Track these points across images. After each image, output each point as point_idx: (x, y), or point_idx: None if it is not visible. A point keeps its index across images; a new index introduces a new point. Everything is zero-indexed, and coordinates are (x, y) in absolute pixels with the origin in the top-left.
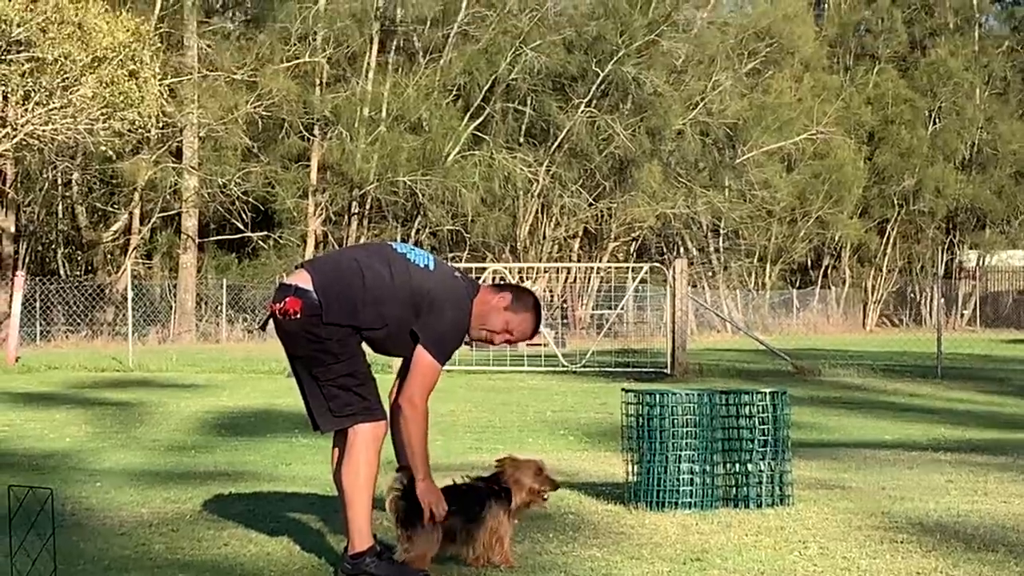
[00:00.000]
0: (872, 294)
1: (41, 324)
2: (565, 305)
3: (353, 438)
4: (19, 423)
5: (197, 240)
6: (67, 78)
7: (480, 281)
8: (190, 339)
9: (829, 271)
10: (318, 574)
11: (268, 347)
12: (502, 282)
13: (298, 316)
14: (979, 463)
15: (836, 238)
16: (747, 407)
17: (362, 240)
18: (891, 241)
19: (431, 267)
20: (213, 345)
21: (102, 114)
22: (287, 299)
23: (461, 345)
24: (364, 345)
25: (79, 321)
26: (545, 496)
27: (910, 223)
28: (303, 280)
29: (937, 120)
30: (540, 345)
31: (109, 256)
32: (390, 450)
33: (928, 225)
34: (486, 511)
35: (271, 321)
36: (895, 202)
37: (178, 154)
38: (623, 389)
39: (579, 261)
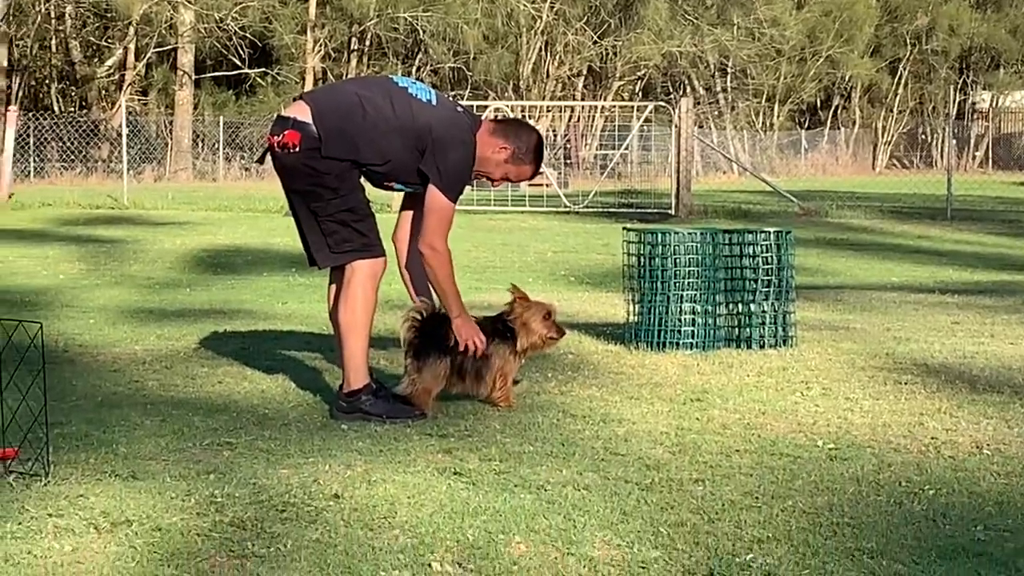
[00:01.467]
0: (882, 135)
1: (35, 160)
2: (568, 145)
3: (351, 275)
4: (11, 260)
5: (193, 76)
6: None
7: (482, 118)
8: (186, 177)
9: (839, 112)
10: (313, 412)
11: (265, 185)
12: (502, 118)
13: (296, 149)
14: (986, 305)
15: (846, 78)
16: (751, 247)
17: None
18: (903, 81)
19: (433, 101)
20: (210, 183)
21: None
22: (285, 132)
23: (469, 180)
24: (364, 181)
25: (74, 158)
26: (551, 342)
27: (922, 63)
28: (302, 112)
29: None
30: (542, 185)
31: (104, 92)
32: (387, 290)
33: (941, 65)
34: (493, 350)
35: (268, 155)
36: (907, 41)
37: None
38: (624, 228)
39: (583, 100)
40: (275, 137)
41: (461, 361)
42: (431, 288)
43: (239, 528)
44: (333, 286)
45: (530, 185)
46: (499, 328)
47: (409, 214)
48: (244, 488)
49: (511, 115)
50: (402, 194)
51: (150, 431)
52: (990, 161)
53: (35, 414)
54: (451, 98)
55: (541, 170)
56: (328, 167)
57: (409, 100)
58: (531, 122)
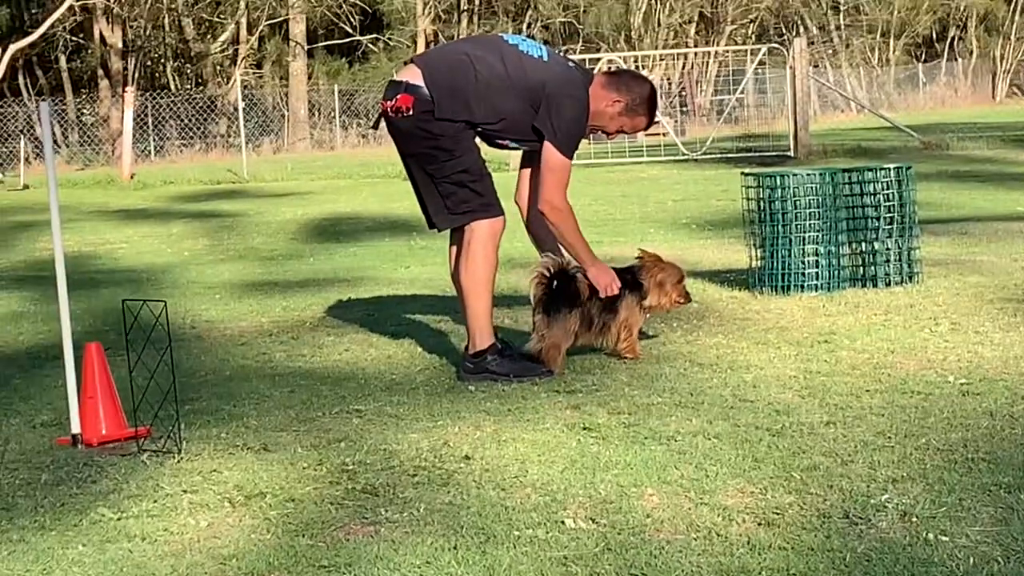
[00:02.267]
0: (1001, 64)
1: (155, 140)
2: (683, 93)
3: (470, 236)
4: (136, 239)
5: (306, 47)
6: None
7: (594, 72)
8: (304, 147)
9: (955, 43)
10: (440, 375)
11: (383, 151)
12: (615, 70)
13: (411, 113)
14: None
15: (961, 8)
16: (871, 184)
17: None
18: (1019, 8)
19: (545, 58)
20: (328, 152)
21: None
22: (398, 96)
23: (584, 135)
24: (479, 141)
25: (192, 135)
26: (678, 306)
27: None
28: (414, 76)
29: None
30: (659, 135)
31: (219, 67)
32: (509, 249)
33: None
34: (620, 302)
35: (383, 120)
36: None
37: None
38: (743, 173)
39: (695, 47)
40: (388, 102)
41: (589, 314)
42: (559, 244)
43: (371, 495)
44: (454, 247)
45: (647, 135)
46: (627, 280)
47: (528, 172)
48: (375, 455)
49: (624, 67)
50: (520, 153)
51: (279, 402)
52: None
53: (165, 391)
54: (562, 54)
55: (656, 119)
56: (443, 129)
57: (521, 57)
58: (644, 72)
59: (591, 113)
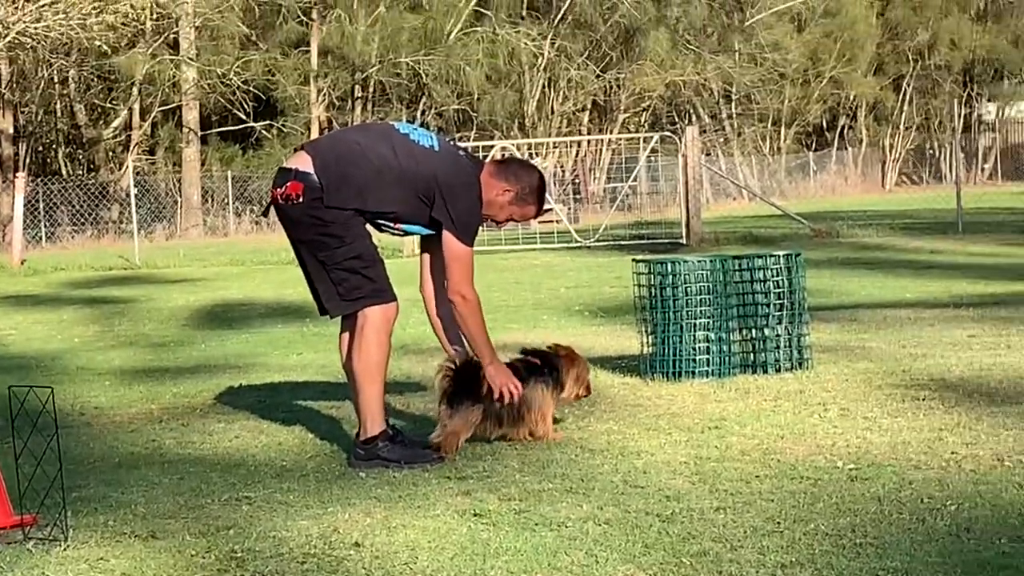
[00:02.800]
0: (890, 153)
1: (46, 225)
2: (576, 180)
3: (363, 322)
4: (25, 325)
5: (199, 133)
6: None
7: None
8: (197, 234)
9: (845, 132)
10: (331, 462)
11: (276, 237)
12: (505, 158)
13: (300, 200)
14: (1002, 317)
15: (851, 97)
16: (761, 271)
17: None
18: (907, 98)
19: (436, 147)
20: (221, 239)
21: (94, 8)
22: (288, 183)
23: (481, 222)
24: (371, 228)
25: (84, 220)
26: (582, 397)
27: (926, 78)
28: (303, 163)
29: None
30: (553, 222)
31: (111, 153)
32: (402, 335)
33: (945, 79)
34: (530, 391)
35: (273, 208)
36: (910, 57)
37: (175, 46)
38: (634, 260)
39: (589, 135)
40: (278, 189)
41: (499, 407)
42: (448, 330)
43: None
44: (345, 334)
45: (540, 222)
46: (536, 367)
47: (428, 259)
48: (264, 542)
49: (517, 154)
50: (416, 239)
51: (168, 489)
52: (999, 172)
53: (51, 478)
54: (452, 142)
55: (548, 207)
56: (333, 216)
57: (411, 147)
58: (538, 160)
59: (484, 201)
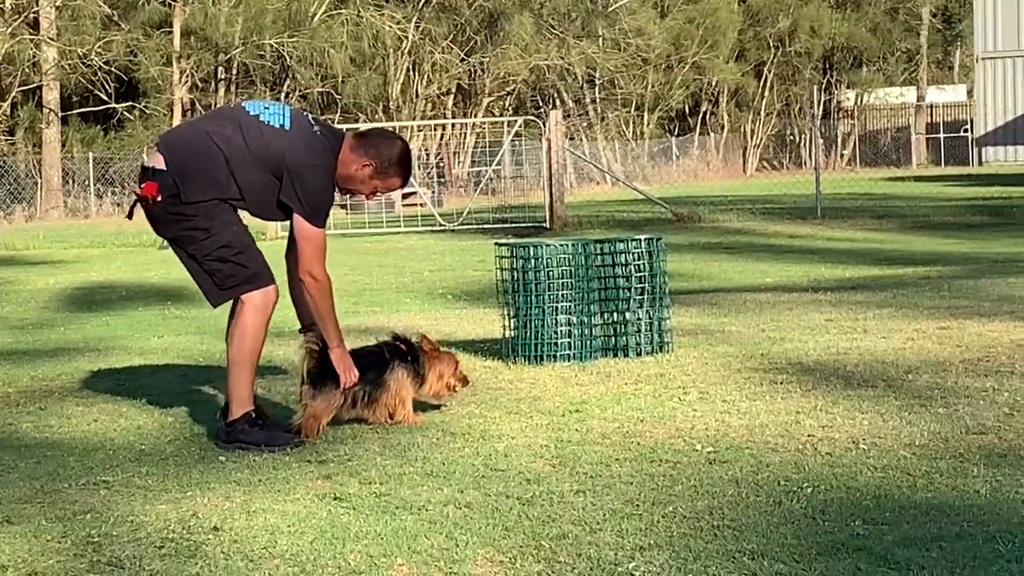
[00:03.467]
0: (751, 138)
1: None
2: (441, 164)
3: (241, 307)
4: None
5: (60, 114)
6: None
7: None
8: (58, 216)
9: (707, 117)
10: (191, 445)
11: (139, 221)
12: (365, 131)
13: (159, 199)
14: (858, 301)
15: (713, 83)
16: (622, 255)
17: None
18: (768, 84)
19: (287, 126)
20: (82, 221)
21: None
22: (143, 185)
23: (334, 202)
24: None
25: None
26: (455, 392)
27: (787, 65)
28: (157, 161)
29: None
30: (417, 205)
31: None
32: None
33: (805, 66)
34: (389, 374)
35: (137, 207)
36: (771, 44)
37: (35, 25)
38: (496, 243)
39: (453, 118)
40: (139, 189)
41: (356, 389)
42: (307, 318)
43: (117, 568)
44: (232, 320)
45: (404, 205)
46: (400, 352)
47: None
48: (121, 526)
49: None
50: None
51: (24, 473)
52: (857, 159)
53: None
54: (310, 117)
55: (412, 190)
56: (194, 210)
57: (260, 128)
58: None
59: (343, 177)
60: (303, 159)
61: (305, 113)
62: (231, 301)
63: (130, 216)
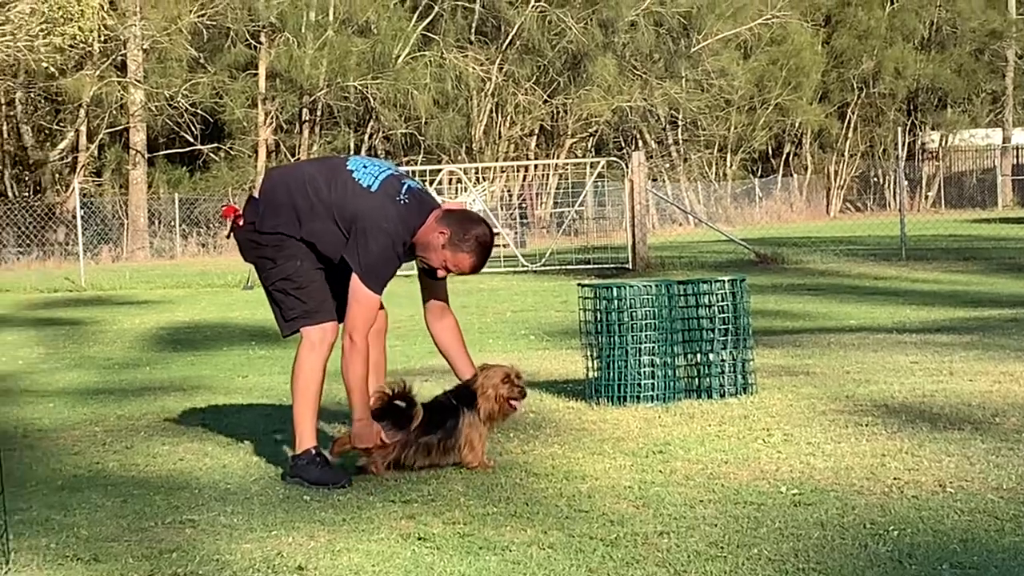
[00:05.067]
0: (835, 180)
1: None
2: (523, 205)
3: (300, 341)
4: None
5: (146, 155)
6: None
7: (436, 192)
8: (144, 256)
9: (791, 158)
10: (275, 484)
11: (223, 260)
12: (453, 209)
13: (240, 224)
14: (944, 343)
15: (796, 125)
16: (706, 296)
17: (314, 147)
18: (852, 125)
19: (374, 187)
20: (167, 261)
21: (42, 30)
22: (239, 208)
23: (395, 271)
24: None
25: (30, 242)
26: (513, 404)
27: (871, 106)
28: (256, 190)
29: (894, 0)
30: (499, 246)
31: (57, 175)
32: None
33: (889, 107)
34: (461, 420)
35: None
36: (855, 85)
37: (123, 68)
38: (579, 284)
39: (536, 159)
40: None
41: (425, 436)
42: (451, 358)
43: None
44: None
45: None
46: (462, 396)
47: (426, 292)
48: (207, 565)
49: (464, 178)
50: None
51: (112, 512)
52: (942, 200)
53: None
54: (408, 185)
55: (495, 227)
56: (266, 240)
57: (348, 184)
58: (485, 183)
59: (420, 243)
60: (373, 221)
61: (404, 181)
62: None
63: (228, 235)
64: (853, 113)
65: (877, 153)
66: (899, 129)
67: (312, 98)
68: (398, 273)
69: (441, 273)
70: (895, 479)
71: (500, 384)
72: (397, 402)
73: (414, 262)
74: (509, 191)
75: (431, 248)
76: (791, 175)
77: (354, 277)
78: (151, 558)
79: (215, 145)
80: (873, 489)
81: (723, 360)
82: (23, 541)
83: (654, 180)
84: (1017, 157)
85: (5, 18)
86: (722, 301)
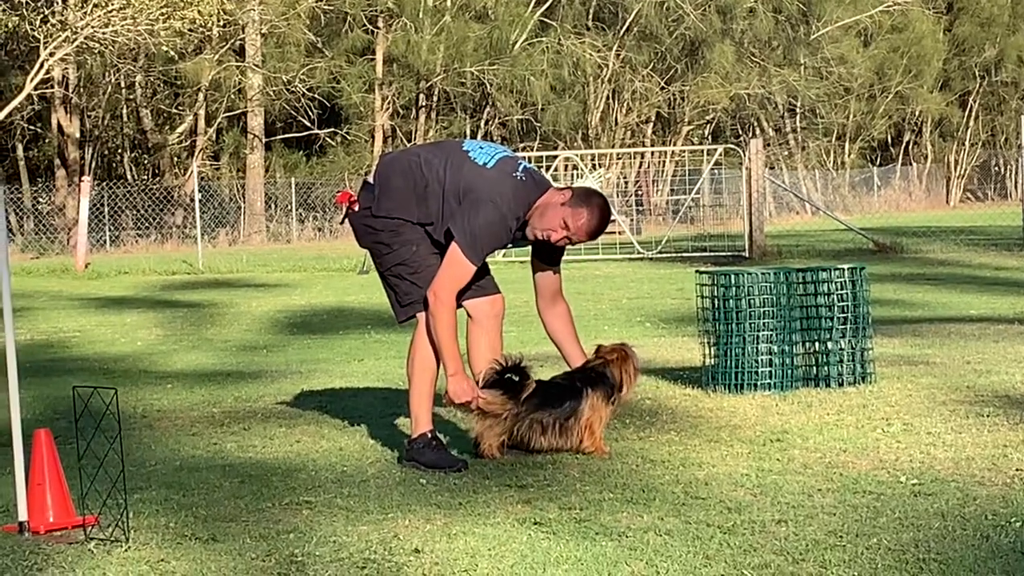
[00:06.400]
0: (955, 169)
1: (110, 229)
2: (639, 192)
3: (416, 326)
4: (89, 328)
5: (264, 139)
6: None
7: (552, 179)
8: (260, 240)
9: (910, 147)
10: (391, 467)
11: (339, 245)
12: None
13: (356, 209)
14: None
15: (916, 113)
16: (824, 284)
17: (430, 133)
18: (973, 114)
19: (489, 165)
20: (284, 245)
21: (162, 14)
22: (354, 193)
23: (499, 246)
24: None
25: (148, 225)
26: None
27: (992, 94)
28: (372, 175)
29: None
30: (615, 233)
31: (176, 159)
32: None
33: (1011, 96)
34: (583, 402)
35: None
36: (976, 73)
37: (241, 52)
38: (697, 271)
39: (652, 146)
40: (351, 197)
41: (538, 412)
42: (561, 345)
43: None
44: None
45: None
46: (588, 377)
47: (539, 278)
48: (324, 546)
49: (580, 164)
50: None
51: (229, 493)
52: None
53: (113, 480)
54: (523, 166)
55: (612, 213)
56: (382, 224)
57: (464, 163)
58: (601, 170)
59: (538, 214)
60: (484, 193)
61: (520, 161)
62: None
63: (342, 221)
64: (974, 101)
65: (999, 142)
66: (1021, 118)
67: (429, 83)
68: (514, 258)
69: (555, 236)
70: (1017, 470)
71: (627, 367)
72: (510, 375)
73: (529, 248)
74: (625, 178)
75: (550, 207)
76: (910, 164)
77: (453, 245)
78: (268, 539)
79: (332, 130)
80: (995, 480)
81: (842, 349)
82: (142, 520)
83: (771, 168)
84: None
85: (127, 2)
86: (841, 289)
